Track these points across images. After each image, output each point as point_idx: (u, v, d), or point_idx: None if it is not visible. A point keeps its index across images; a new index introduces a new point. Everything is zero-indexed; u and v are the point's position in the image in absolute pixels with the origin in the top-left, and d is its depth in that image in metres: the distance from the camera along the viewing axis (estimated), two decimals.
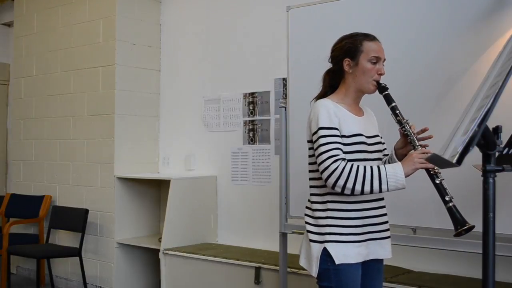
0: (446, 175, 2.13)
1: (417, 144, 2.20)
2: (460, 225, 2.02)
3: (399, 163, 2.16)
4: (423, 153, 2.13)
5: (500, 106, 1.66)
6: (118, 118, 4.97)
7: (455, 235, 2.05)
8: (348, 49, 2.26)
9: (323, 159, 2.13)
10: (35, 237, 5.45)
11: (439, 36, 2.90)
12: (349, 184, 2.10)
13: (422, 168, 2.12)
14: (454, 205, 2.05)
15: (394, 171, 2.12)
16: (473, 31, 2.79)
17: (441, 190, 2.08)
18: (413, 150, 2.20)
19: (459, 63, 2.83)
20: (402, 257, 3.42)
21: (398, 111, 2.24)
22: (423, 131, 2.25)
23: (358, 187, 2.11)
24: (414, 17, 2.99)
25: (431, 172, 2.11)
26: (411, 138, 2.21)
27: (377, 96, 2.29)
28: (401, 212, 2.89)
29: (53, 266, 5.30)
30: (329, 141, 2.15)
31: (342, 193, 2.15)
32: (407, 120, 2.24)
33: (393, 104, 2.25)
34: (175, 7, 5.24)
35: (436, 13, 2.92)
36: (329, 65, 2.37)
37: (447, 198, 2.06)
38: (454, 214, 2.04)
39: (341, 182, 2.10)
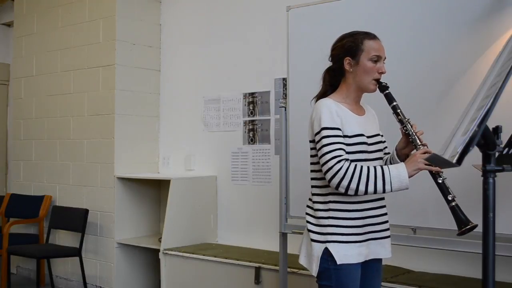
0: (446, 176, 2.13)
1: (419, 143, 2.19)
2: (464, 224, 2.01)
3: (403, 163, 2.15)
4: (426, 153, 2.12)
5: (500, 106, 1.66)
6: (118, 118, 4.97)
7: (459, 234, 2.04)
8: (349, 47, 2.24)
9: (327, 159, 2.13)
10: (35, 237, 5.45)
11: (439, 36, 2.90)
12: (353, 185, 2.10)
13: (425, 169, 2.11)
14: (457, 204, 2.04)
15: (398, 172, 2.11)
16: (473, 31, 2.78)
17: (443, 190, 2.07)
18: (415, 150, 2.19)
19: (459, 63, 2.83)
20: (402, 257, 3.42)
21: (399, 110, 2.23)
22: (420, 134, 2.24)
23: (362, 188, 2.11)
24: (414, 17, 2.99)
25: (434, 171, 2.10)
26: (413, 137, 2.20)
27: (378, 95, 2.29)
28: (401, 212, 2.89)
29: (53, 266, 5.29)
30: (332, 141, 2.14)
31: (345, 194, 2.14)
32: (408, 120, 2.23)
33: (394, 103, 2.24)
34: (175, 7, 5.24)
35: (436, 13, 2.92)
36: (329, 64, 2.36)
37: (449, 198, 2.05)
38: (457, 213, 2.03)
39: (345, 182, 2.10)
